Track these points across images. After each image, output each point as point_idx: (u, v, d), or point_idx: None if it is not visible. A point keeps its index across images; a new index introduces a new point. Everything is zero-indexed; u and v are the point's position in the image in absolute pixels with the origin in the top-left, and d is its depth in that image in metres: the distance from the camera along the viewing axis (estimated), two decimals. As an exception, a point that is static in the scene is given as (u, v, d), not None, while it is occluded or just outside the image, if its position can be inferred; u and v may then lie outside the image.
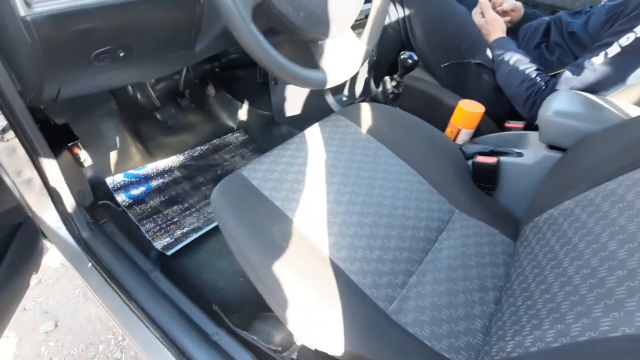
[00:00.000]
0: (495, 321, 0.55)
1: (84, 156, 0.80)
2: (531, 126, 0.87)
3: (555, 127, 0.70)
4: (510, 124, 0.90)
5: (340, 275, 0.58)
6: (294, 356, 0.69)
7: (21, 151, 0.66)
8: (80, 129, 0.86)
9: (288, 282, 0.54)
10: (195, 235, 0.89)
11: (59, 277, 1.14)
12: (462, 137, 0.91)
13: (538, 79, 0.85)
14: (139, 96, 1.09)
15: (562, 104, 0.71)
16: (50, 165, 0.69)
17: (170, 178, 1.04)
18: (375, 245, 0.64)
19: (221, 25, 0.66)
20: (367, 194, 0.71)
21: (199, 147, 1.16)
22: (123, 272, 0.70)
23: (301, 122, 1.15)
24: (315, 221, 0.63)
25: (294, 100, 1.11)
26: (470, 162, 0.81)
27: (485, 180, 0.79)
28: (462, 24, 1.05)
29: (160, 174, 1.04)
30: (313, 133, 0.81)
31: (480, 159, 0.78)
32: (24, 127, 0.62)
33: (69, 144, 0.77)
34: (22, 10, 0.43)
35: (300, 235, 0.60)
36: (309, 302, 0.53)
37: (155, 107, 1.07)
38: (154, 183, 1.01)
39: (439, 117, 0.96)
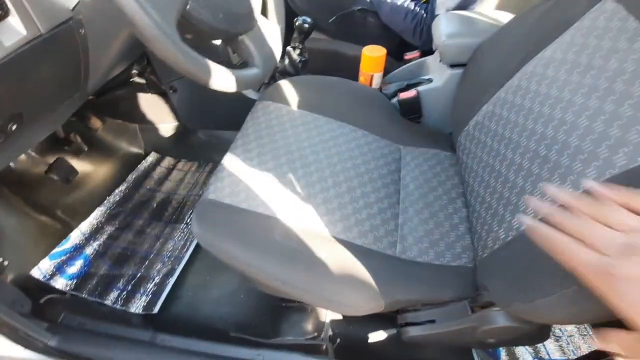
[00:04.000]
0: (475, 220, 0.66)
1: (-5, 261, 0.64)
2: (426, 52, 0.98)
3: (451, 48, 0.81)
4: (408, 55, 1.00)
5: (347, 246, 0.62)
6: (330, 333, 0.73)
7: None
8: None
9: (305, 272, 0.55)
10: (172, 279, 0.82)
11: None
12: (376, 81, 0.98)
13: (417, 8, 0.94)
14: (11, 165, 0.87)
15: (449, 27, 0.81)
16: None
17: (105, 236, 0.90)
18: (359, 206, 0.68)
19: (112, 50, 0.57)
20: (330, 165, 0.74)
21: (117, 190, 1.02)
22: (126, 355, 0.62)
23: (218, 121, 1.08)
24: (301, 210, 0.64)
25: (203, 100, 1.02)
26: (394, 100, 0.90)
27: (412, 112, 0.89)
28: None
29: (90, 237, 0.90)
30: (250, 127, 0.78)
31: (402, 95, 0.87)
32: None
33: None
34: None
35: (298, 229, 0.61)
36: (333, 279, 0.55)
37: (45, 169, 0.88)
38: (89, 250, 0.87)
39: (348, 69, 1.00)
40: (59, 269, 0.81)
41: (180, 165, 1.12)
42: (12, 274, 0.73)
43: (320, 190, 0.69)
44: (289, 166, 0.71)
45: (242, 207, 0.62)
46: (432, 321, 0.59)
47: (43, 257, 0.82)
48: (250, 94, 0.97)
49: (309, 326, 0.73)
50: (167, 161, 1.13)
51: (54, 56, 0.46)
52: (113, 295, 0.80)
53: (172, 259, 0.87)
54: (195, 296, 0.82)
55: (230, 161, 0.70)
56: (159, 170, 1.10)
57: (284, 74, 0.98)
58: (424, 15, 0.94)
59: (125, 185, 1.04)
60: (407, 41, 1.02)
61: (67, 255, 0.84)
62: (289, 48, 0.94)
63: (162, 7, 0.38)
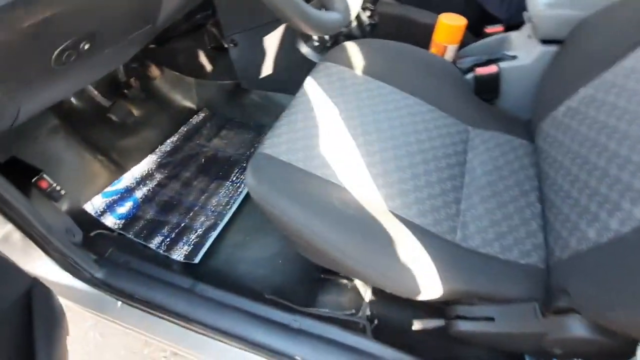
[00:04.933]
0: (554, 217, 0.58)
1: (54, 187, 0.66)
2: (510, 27, 0.87)
3: (550, 20, 0.70)
4: (489, 29, 0.90)
5: (405, 223, 0.57)
6: (368, 313, 0.69)
7: (-18, 208, 0.52)
8: (32, 159, 0.69)
9: (359, 244, 0.51)
10: (215, 234, 0.82)
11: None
12: (449, 54, 0.89)
13: (510, -25, 0.83)
14: (74, 102, 0.90)
15: (550, -5, 0.70)
16: (28, 212, 0.56)
17: (154, 183, 0.92)
18: (421, 184, 0.63)
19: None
20: (392, 137, 0.68)
21: (168, 141, 1.02)
22: (166, 298, 0.62)
23: (274, 82, 1.04)
24: (360, 178, 0.60)
25: (262, 59, 0.99)
26: (470, 76, 0.81)
27: (488, 91, 0.80)
28: None
29: (141, 181, 0.91)
30: (310, 89, 0.74)
31: (481, 70, 0.78)
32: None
33: (34, 180, 0.62)
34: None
35: (355, 197, 0.57)
36: (383, 255, 0.51)
37: (105, 108, 0.90)
38: (139, 193, 0.89)
39: (419, 38, 0.92)
40: (109, 208, 0.83)
41: (230, 124, 1.11)
42: (66, 204, 0.75)
43: (381, 160, 0.63)
44: (350, 131, 0.66)
45: (299, 167, 0.58)
46: (490, 319, 0.53)
47: (96, 193, 0.85)
48: (312, 55, 0.92)
49: (347, 302, 0.70)
50: (218, 118, 1.12)
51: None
52: (157, 240, 0.81)
53: (216, 214, 0.87)
54: (233, 254, 0.82)
55: (289, 118, 0.66)
56: (209, 127, 1.10)
57: (350, 37, 0.91)
58: (517, -17, 0.83)
59: (177, 136, 1.04)
60: (490, 13, 0.91)
61: (118, 196, 0.86)
62: (359, 9, 0.87)
63: None
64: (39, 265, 0.61)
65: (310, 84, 0.74)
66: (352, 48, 0.81)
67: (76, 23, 0.39)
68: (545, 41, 0.74)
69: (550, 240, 0.57)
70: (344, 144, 0.64)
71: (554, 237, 0.56)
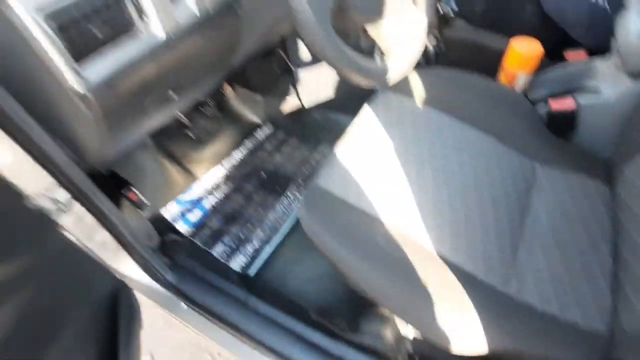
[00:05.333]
0: (625, 279, 0.53)
1: (141, 199, 0.77)
2: (593, 52, 0.79)
3: (643, 53, 0.63)
4: (569, 54, 0.82)
5: (452, 268, 0.56)
6: (409, 350, 0.69)
7: (88, 217, 0.63)
8: (125, 171, 0.82)
9: (407, 289, 0.52)
10: (269, 249, 0.88)
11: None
12: (520, 82, 0.84)
13: (598, -2, 0.75)
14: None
15: (646, 25, 0.63)
16: (119, 221, 0.66)
17: (221, 195, 1.01)
18: (474, 227, 0.61)
19: (257, 32, 0.60)
20: (448, 174, 0.67)
21: (234, 153, 1.12)
22: (221, 305, 0.70)
23: (335, 103, 1.08)
24: (410, 218, 0.60)
25: (323, 82, 1.03)
26: (541, 108, 0.75)
27: (562, 126, 0.74)
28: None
29: (209, 192, 1.01)
30: (367, 118, 0.75)
31: (555, 104, 0.72)
32: (88, 195, 0.59)
33: (122, 191, 0.73)
34: (78, 87, 0.37)
35: (403, 238, 0.58)
36: (431, 303, 0.51)
37: (184, 126, 1.02)
38: (207, 204, 0.99)
39: (490, 65, 0.88)
40: (182, 215, 0.94)
41: (291, 140, 1.17)
42: (148, 211, 0.87)
43: (433, 200, 0.63)
44: (403, 166, 0.67)
45: (350, 202, 0.60)
46: (539, 382, 0.50)
47: (171, 200, 0.96)
48: (373, 80, 0.93)
49: (389, 333, 0.71)
50: (280, 135, 1.19)
51: (213, 34, 0.50)
52: (219, 248, 0.90)
53: (271, 229, 0.93)
54: (284, 269, 0.87)
55: (343, 150, 0.69)
56: (272, 142, 1.17)
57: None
58: (607, 8, 0.74)
59: (243, 150, 1.13)
60: (572, 37, 0.84)
61: (190, 204, 0.97)
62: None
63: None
64: (126, 266, 0.72)
65: (367, 113, 0.76)
66: (413, 76, 0.80)
67: (164, 76, 0.46)
68: (635, 75, 0.67)
69: (619, 305, 0.52)
70: (396, 180, 0.65)
71: (624, 303, 0.51)
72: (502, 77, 0.86)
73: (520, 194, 0.67)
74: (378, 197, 0.62)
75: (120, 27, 0.38)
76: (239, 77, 1.22)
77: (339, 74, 0.47)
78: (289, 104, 1.20)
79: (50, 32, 0.33)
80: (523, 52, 0.81)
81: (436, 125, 0.74)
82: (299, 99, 1.14)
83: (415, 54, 0.60)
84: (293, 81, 1.09)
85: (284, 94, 1.19)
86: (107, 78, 0.38)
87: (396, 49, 0.54)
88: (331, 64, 0.46)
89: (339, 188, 0.62)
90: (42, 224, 0.50)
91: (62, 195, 0.57)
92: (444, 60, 0.90)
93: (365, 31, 0.52)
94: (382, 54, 0.55)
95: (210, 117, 1.11)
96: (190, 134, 1.03)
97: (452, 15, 0.79)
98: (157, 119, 0.59)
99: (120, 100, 0.43)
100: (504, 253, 0.59)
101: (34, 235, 0.51)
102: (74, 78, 0.36)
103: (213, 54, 0.53)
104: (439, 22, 0.82)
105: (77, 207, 0.60)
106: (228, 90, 1.21)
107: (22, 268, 0.48)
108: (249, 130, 1.21)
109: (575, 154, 0.74)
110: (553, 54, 0.89)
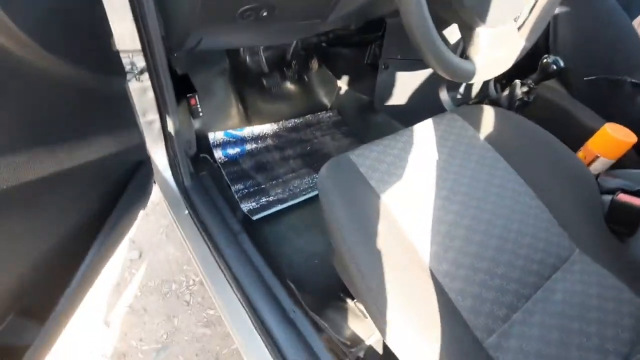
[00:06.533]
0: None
1: (198, 107, 0.84)
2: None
3: None
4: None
5: (438, 291, 0.53)
6: (361, 354, 0.66)
7: (150, 93, 0.70)
8: (197, 82, 0.89)
9: (385, 284, 0.50)
10: (279, 207, 0.90)
11: (148, 213, 1.25)
12: (598, 166, 0.78)
13: None
14: (248, 59, 1.11)
15: None
16: (172, 112, 0.73)
17: (263, 145, 1.06)
18: (480, 267, 0.57)
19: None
20: (479, 208, 0.63)
21: (293, 119, 1.16)
22: (215, 226, 0.73)
23: (403, 114, 1.08)
24: (420, 225, 0.58)
25: (402, 89, 1.04)
26: (607, 197, 0.69)
27: (623, 223, 0.66)
28: (621, 34, 0.89)
29: (255, 139, 1.06)
30: (425, 129, 0.74)
31: (624, 197, 0.66)
32: (159, 72, 0.65)
33: (188, 95, 0.80)
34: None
35: (405, 238, 0.56)
36: (401, 310, 0.49)
37: (263, 73, 1.08)
38: (248, 147, 1.04)
39: (571, 137, 0.82)
40: (223, 144, 1.00)
41: (348, 131, 1.19)
42: (198, 124, 0.94)
43: (451, 222, 0.60)
44: (437, 182, 0.65)
45: (370, 184, 0.60)
46: None
47: (221, 129, 1.03)
48: (447, 104, 0.92)
49: (349, 333, 0.68)
50: (340, 122, 1.22)
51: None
52: (239, 186, 0.94)
53: (291, 193, 0.95)
54: (284, 233, 0.88)
55: (389, 142, 0.69)
56: (330, 125, 1.20)
57: (494, 103, 0.88)
58: None
59: (300, 120, 1.17)
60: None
61: (234, 140, 1.03)
62: (517, 81, 0.84)
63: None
64: (158, 153, 0.78)
65: (428, 125, 0.75)
66: (487, 112, 0.78)
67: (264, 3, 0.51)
68: None
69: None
70: (424, 189, 0.63)
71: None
72: (582, 153, 0.80)
73: (544, 266, 0.61)
74: (397, 193, 0.61)
75: None
76: (329, 58, 1.27)
77: (424, 55, 0.48)
78: (362, 100, 1.22)
79: None
80: (615, 138, 0.75)
81: (489, 162, 0.71)
82: (373, 98, 1.15)
83: (500, 68, 0.59)
84: (375, 80, 1.11)
85: (361, 89, 1.22)
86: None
87: (484, 54, 0.53)
88: (420, 49, 0.46)
89: (366, 168, 0.62)
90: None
91: (140, 62, 0.65)
92: (527, 111, 0.86)
93: (462, 27, 0.52)
94: (466, 56, 0.55)
95: (288, 79, 1.18)
96: (265, 84, 1.09)
97: (554, 68, 0.75)
98: (243, 36, 0.64)
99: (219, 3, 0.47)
100: (498, 306, 0.54)
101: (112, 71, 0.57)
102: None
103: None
104: (539, 73, 0.79)
105: (146, 79, 0.67)
106: (314, 65, 1.27)
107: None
108: (315, 108, 1.25)
109: (625, 258, 0.66)
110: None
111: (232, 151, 1.00)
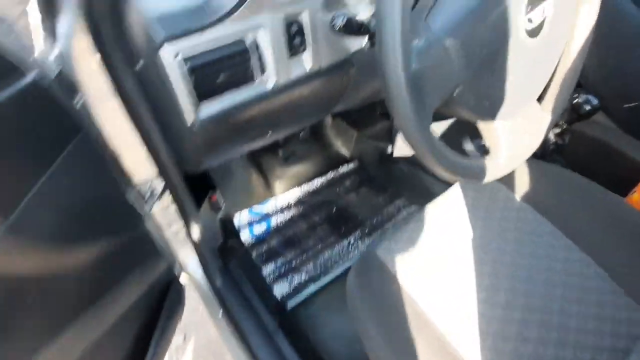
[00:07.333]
0: None
1: (220, 202, 0.84)
2: None
3: None
4: None
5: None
6: None
7: (172, 207, 0.71)
8: (216, 174, 0.91)
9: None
10: (313, 288, 0.88)
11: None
12: (660, 210, 0.68)
13: None
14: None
15: None
16: (195, 218, 0.74)
17: (288, 217, 1.05)
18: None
19: (364, 91, 0.61)
20: (529, 294, 0.57)
21: (315, 180, 1.15)
22: (250, 327, 0.72)
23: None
24: (464, 329, 0.53)
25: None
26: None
27: None
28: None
29: (279, 211, 1.06)
30: (452, 199, 0.69)
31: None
32: (177, 190, 0.67)
33: (209, 194, 0.81)
34: (188, 120, 0.42)
35: (447, 350, 0.51)
36: None
37: (278, 144, 1.09)
38: (273, 222, 1.03)
39: (620, 178, 0.74)
40: (249, 224, 1.00)
41: (371, 184, 1.16)
42: (222, 213, 0.95)
43: (500, 318, 0.54)
44: (476, 268, 0.60)
45: (402, 285, 0.56)
46: None
47: (245, 206, 1.03)
48: (473, 153, 0.87)
49: None
50: (363, 175, 1.19)
51: (321, 87, 0.52)
52: (269, 267, 0.93)
53: (322, 267, 0.92)
54: (319, 314, 0.86)
55: (415, 225, 0.65)
56: (353, 179, 1.17)
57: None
58: None
59: (322, 180, 1.16)
60: None
61: (259, 217, 1.03)
62: (547, 125, 0.77)
63: (428, 92, 0.35)
64: (187, 257, 0.79)
65: (455, 193, 0.70)
66: (521, 166, 0.72)
67: (265, 120, 0.50)
68: None
69: None
70: (463, 279, 0.58)
71: None
72: (636, 197, 0.72)
73: (616, 352, 0.54)
74: (433, 291, 0.56)
75: (242, 78, 0.42)
76: (342, 111, 1.26)
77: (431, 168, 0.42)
78: (381, 148, 1.19)
79: (183, 71, 0.39)
80: (675, 176, 0.66)
81: (531, 228, 0.65)
82: (392, 146, 1.12)
83: (527, 153, 0.54)
84: (391, 127, 1.08)
85: (378, 137, 1.19)
86: (215, 116, 0.43)
87: (506, 146, 0.49)
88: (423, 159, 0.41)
89: (396, 266, 0.59)
90: (131, 213, 0.58)
91: (159, 184, 0.67)
92: (564, 155, 0.79)
93: (478, 123, 0.48)
94: (486, 150, 0.51)
95: (302, 140, 1.17)
96: (280, 152, 1.09)
97: (588, 108, 0.68)
98: (252, 147, 0.64)
99: (222, 134, 0.47)
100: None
101: (125, 220, 0.60)
102: (191, 109, 0.42)
103: (317, 102, 0.56)
104: (570, 113, 0.72)
105: (166, 197, 0.68)
106: (328, 120, 1.25)
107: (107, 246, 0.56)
108: (335, 162, 1.23)
109: None
110: None
111: (258, 230, 1.00)
